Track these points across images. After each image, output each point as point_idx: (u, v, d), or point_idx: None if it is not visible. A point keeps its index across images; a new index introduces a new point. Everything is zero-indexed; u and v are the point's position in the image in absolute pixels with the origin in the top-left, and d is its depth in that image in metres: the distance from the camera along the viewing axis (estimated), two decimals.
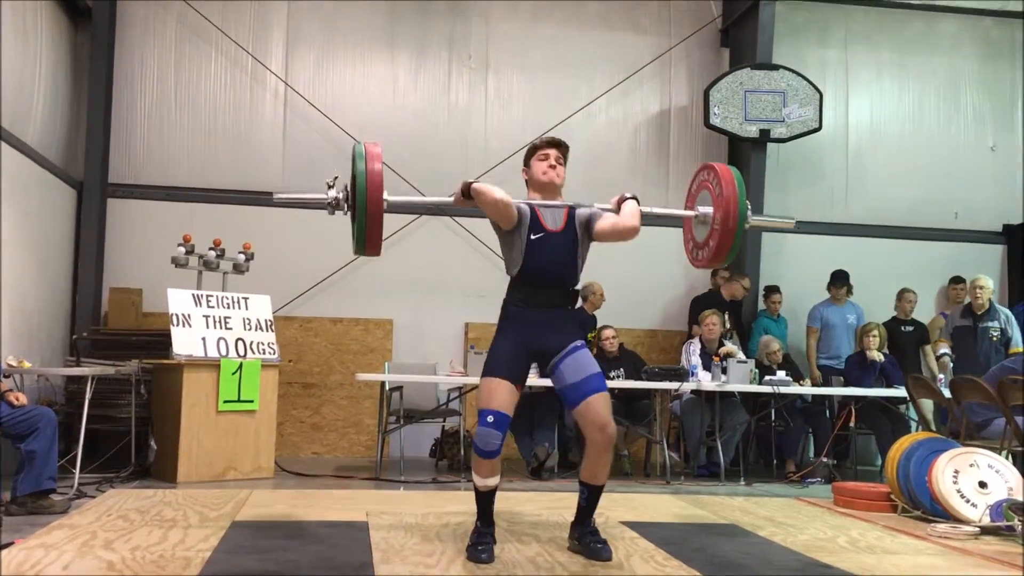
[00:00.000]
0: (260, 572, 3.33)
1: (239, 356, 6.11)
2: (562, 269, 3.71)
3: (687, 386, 6.59)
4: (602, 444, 3.58)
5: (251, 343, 6.25)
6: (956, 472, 4.69)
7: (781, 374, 6.78)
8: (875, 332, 7.23)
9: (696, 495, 5.78)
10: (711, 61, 8.66)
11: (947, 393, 5.76)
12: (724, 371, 6.62)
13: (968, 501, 4.60)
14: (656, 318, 8.43)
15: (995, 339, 7.21)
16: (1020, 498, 4.51)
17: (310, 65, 8.09)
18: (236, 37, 7.91)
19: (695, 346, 7.10)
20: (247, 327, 6.29)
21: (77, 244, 7.48)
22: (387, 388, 6.55)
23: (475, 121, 8.25)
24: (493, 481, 3.63)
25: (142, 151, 7.82)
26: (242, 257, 6.64)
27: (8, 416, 4.52)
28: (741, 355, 6.92)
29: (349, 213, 3.70)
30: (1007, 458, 4.99)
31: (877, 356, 7.16)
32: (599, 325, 7.29)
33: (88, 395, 5.41)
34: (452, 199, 3.75)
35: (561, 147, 3.82)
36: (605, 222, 3.74)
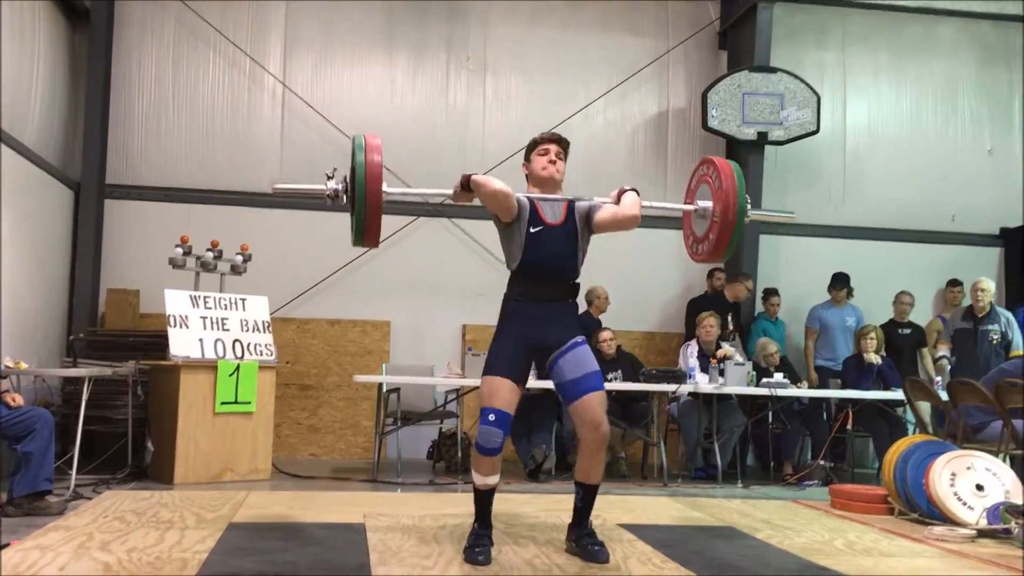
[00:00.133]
0: (257, 574, 3.32)
1: (236, 357, 6.11)
2: (562, 262, 3.71)
3: (685, 388, 6.59)
4: (595, 443, 3.60)
5: (248, 344, 6.24)
6: (953, 475, 4.69)
7: (778, 376, 6.78)
8: (872, 335, 7.23)
9: (693, 497, 5.78)
10: (709, 63, 8.67)
11: (944, 396, 5.76)
12: (721, 373, 6.61)
13: (965, 504, 4.60)
14: (654, 320, 8.43)
15: (995, 342, 7.20)
16: (1017, 501, 4.51)
17: (308, 66, 8.08)
18: (234, 38, 7.91)
19: (693, 348, 7.10)
20: (244, 328, 6.28)
21: (74, 245, 7.48)
22: (384, 390, 6.54)
23: (473, 123, 8.25)
24: (493, 480, 3.64)
25: (139, 152, 7.81)
26: (240, 258, 6.64)
27: (5, 417, 4.51)
28: (739, 357, 6.92)
29: (348, 204, 3.71)
30: (1004, 461, 5.00)
31: (874, 359, 7.16)
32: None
33: (85, 396, 5.39)
34: (452, 192, 3.75)
35: (561, 143, 3.85)
36: (605, 212, 3.76)
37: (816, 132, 8.22)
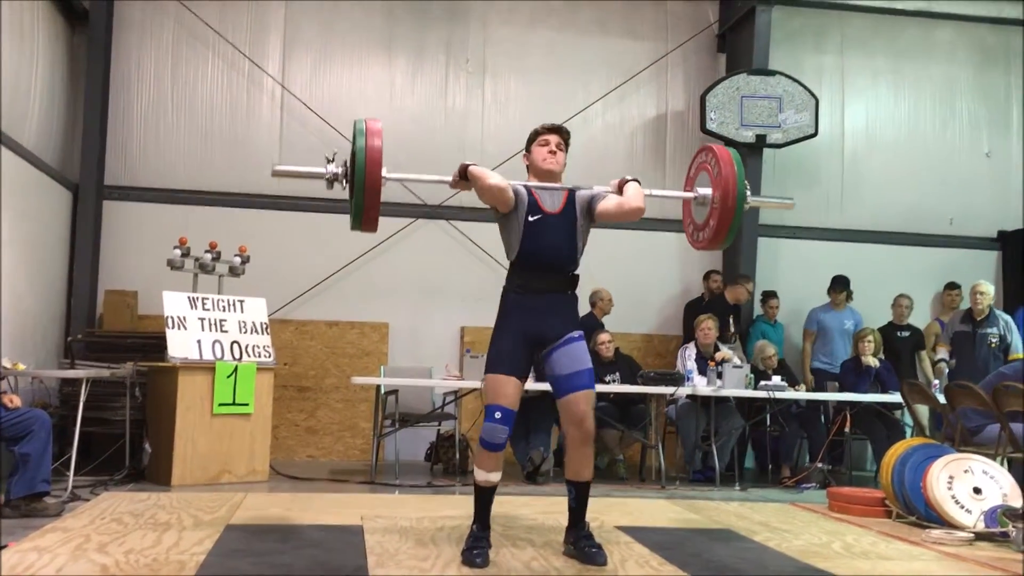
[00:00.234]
0: (254, 575, 3.32)
1: (234, 359, 6.10)
2: (561, 252, 3.71)
3: (683, 391, 6.60)
4: (579, 439, 3.63)
5: (246, 346, 6.24)
6: (951, 478, 4.69)
7: (776, 379, 6.78)
8: (870, 338, 7.24)
9: (691, 500, 5.77)
10: (707, 66, 8.68)
11: (942, 399, 5.76)
12: (720, 376, 6.62)
13: (963, 507, 4.60)
14: (652, 323, 8.43)
15: (994, 345, 7.20)
16: (1014, 504, 4.51)
17: (307, 68, 8.08)
18: (233, 39, 7.91)
19: (691, 351, 7.10)
20: (242, 330, 6.28)
21: (73, 246, 7.47)
22: (383, 392, 6.53)
23: (472, 125, 8.25)
24: (495, 476, 3.64)
25: (138, 153, 7.81)
26: (238, 260, 6.63)
27: (2, 418, 4.50)
28: (737, 360, 6.92)
29: (348, 188, 3.71)
30: (1002, 464, 5.00)
31: (872, 361, 7.16)
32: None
33: (83, 398, 5.40)
34: (451, 179, 3.76)
35: (562, 133, 3.85)
36: (609, 202, 3.75)
37: (814, 135, 8.23)
